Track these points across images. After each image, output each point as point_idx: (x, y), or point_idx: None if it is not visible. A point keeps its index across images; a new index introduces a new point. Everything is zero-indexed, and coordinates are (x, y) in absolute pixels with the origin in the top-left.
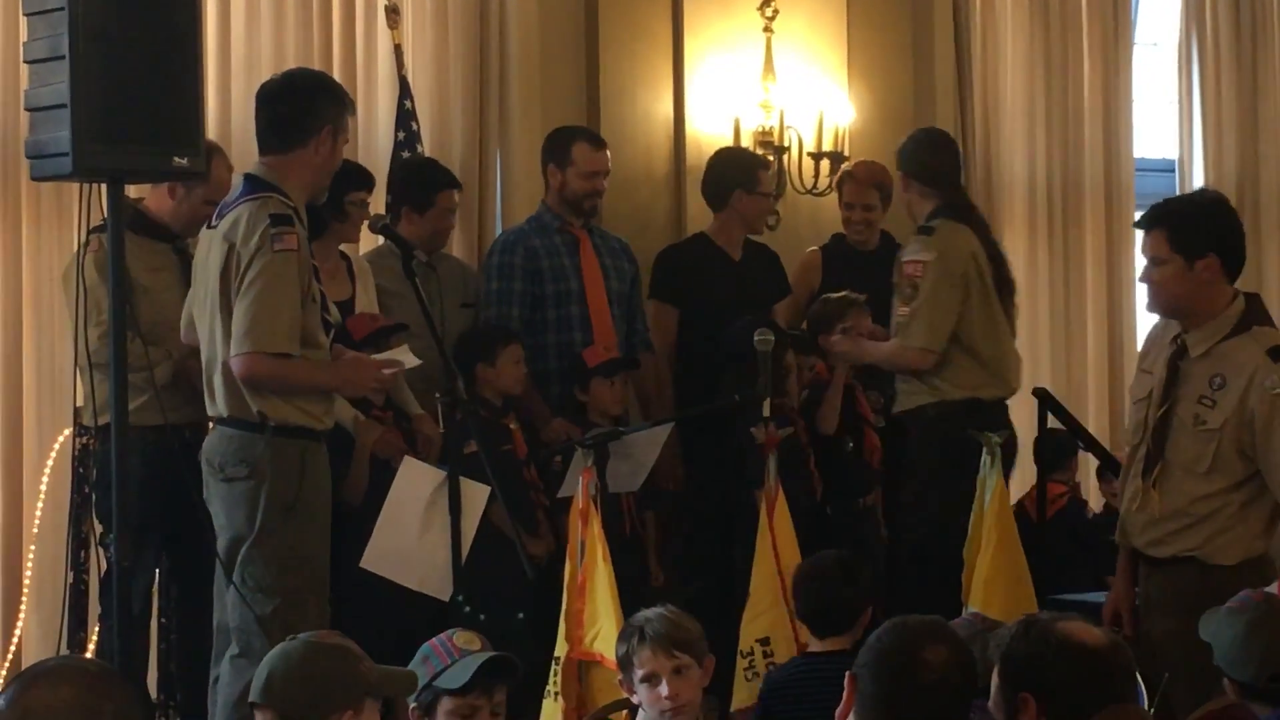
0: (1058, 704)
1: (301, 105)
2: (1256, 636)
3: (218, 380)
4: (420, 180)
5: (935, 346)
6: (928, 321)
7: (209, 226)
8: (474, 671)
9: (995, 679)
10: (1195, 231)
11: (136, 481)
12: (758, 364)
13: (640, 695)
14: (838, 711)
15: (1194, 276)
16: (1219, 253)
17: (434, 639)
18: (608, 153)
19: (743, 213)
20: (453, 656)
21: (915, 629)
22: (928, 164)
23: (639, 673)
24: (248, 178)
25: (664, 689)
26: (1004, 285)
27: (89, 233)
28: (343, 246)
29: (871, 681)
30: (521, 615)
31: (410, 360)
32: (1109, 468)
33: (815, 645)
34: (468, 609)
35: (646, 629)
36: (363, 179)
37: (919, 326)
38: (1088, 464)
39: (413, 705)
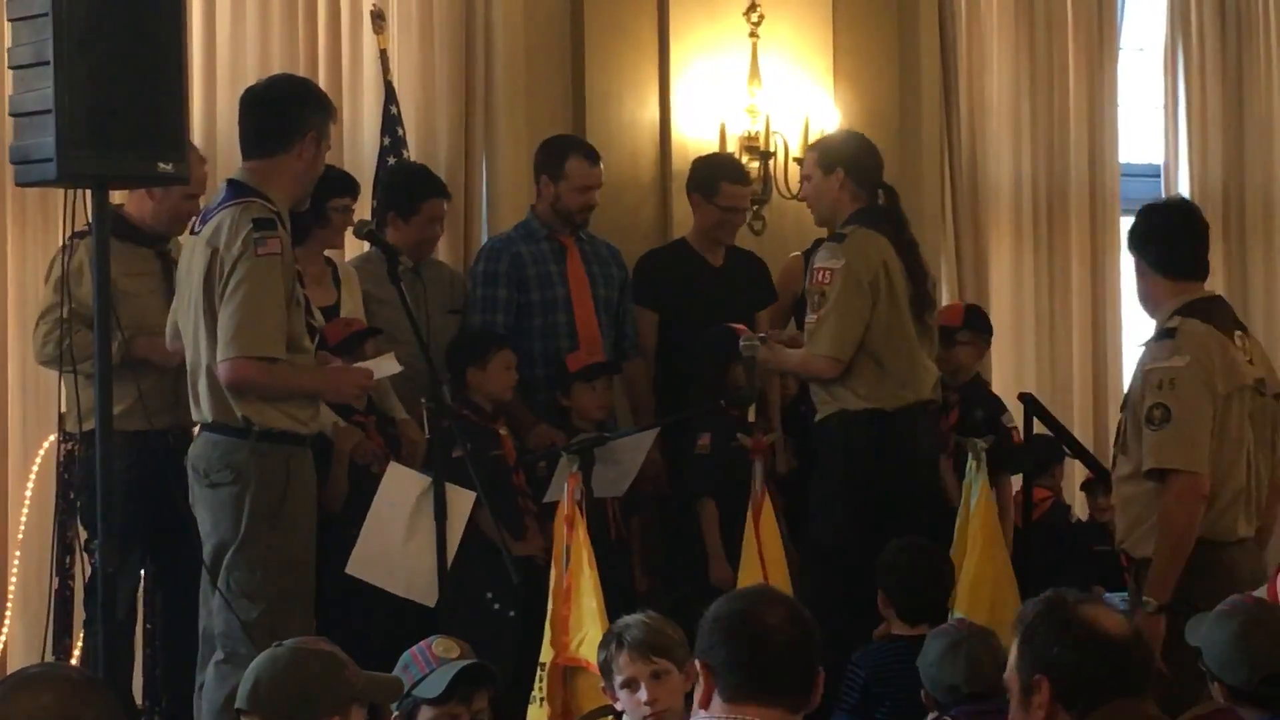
0: (1071, 690)
1: (286, 111)
2: (1248, 639)
3: (202, 386)
4: (407, 186)
5: (841, 355)
6: (835, 329)
7: (192, 232)
8: (450, 680)
9: (1014, 651)
10: (1129, 236)
11: (121, 487)
12: (715, 375)
13: (622, 701)
14: (697, 698)
15: (1138, 276)
16: (1138, 252)
17: (414, 647)
18: (601, 165)
19: (699, 218)
20: (431, 665)
21: (747, 597)
22: (867, 166)
23: (619, 678)
24: (230, 183)
25: (643, 694)
26: (919, 300)
27: (69, 238)
28: (328, 252)
29: (725, 659)
30: (512, 614)
31: (393, 368)
32: (1094, 471)
33: (902, 630)
34: (497, 606)
35: (625, 635)
36: (346, 185)
37: (825, 334)
38: (1072, 472)
39: (395, 713)
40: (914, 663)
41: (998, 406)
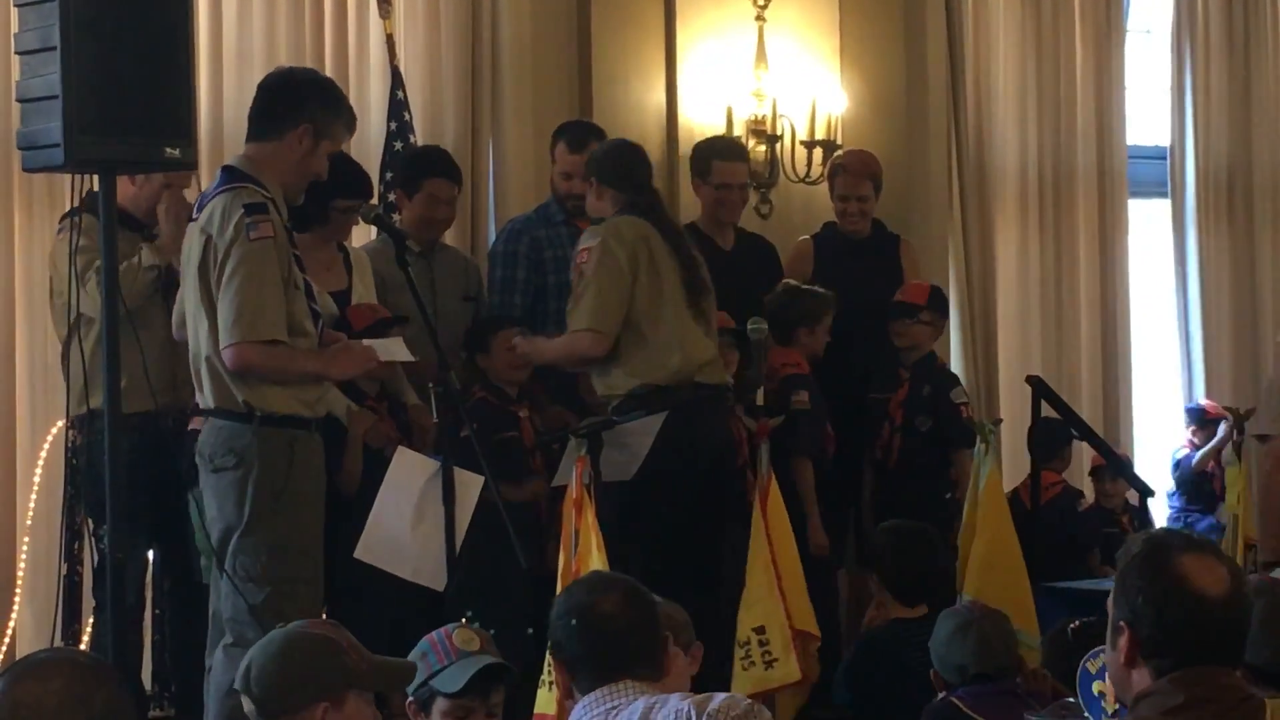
0: (1150, 644)
1: (286, 98)
2: (1274, 619)
3: (204, 372)
4: (411, 163)
5: (602, 327)
6: (593, 303)
7: (191, 219)
8: (469, 677)
9: (1113, 590)
10: None
11: (124, 470)
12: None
13: None
14: (557, 695)
15: None
16: None
17: (433, 634)
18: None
19: (701, 200)
20: (450, 657)
21: (583, 587)
22: (617, 170)
23: None
24: (225, 169)
25: None
26: (693, 286)
27: (61, 218)
28: None
29: (576, 654)
30: (531, 631)
31: (404, 355)
32: (1103, 456)
33: (902, 612)
34: (477, 625)
35: None
36: (353, 188)
37: (584, 309)
38: (1079, 458)
39: (410, 700)
40: (919, 644)
41: (948, 382)
